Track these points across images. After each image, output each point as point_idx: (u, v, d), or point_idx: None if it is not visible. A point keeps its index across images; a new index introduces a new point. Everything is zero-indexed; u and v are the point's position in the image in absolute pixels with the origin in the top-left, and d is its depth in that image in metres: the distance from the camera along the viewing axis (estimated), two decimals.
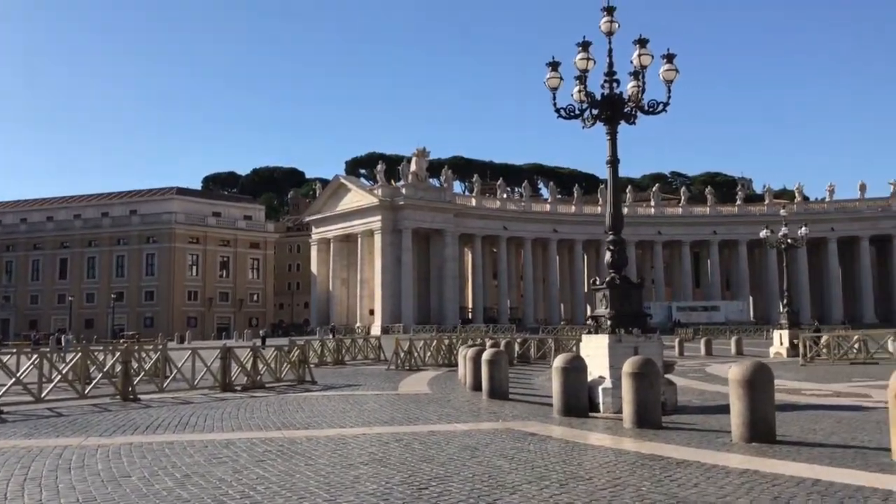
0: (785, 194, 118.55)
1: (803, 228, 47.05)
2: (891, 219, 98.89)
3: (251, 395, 18.83)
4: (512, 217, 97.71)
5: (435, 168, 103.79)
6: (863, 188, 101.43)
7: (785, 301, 42.51)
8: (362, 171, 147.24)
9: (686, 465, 8.79)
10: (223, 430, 12.63)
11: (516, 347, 34.54)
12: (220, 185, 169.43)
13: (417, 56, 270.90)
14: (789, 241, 44.88)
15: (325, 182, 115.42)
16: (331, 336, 53.97)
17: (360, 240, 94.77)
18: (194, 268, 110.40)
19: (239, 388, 20.12)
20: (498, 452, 9.86)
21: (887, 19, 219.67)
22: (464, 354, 21.73)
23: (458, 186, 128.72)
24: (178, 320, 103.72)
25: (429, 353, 31.02)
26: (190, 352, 21.18)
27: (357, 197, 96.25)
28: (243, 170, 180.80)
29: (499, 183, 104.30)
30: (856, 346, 31.15)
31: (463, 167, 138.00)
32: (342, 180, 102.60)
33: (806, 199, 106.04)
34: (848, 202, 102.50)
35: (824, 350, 31.37)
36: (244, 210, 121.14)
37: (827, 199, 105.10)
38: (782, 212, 51.96)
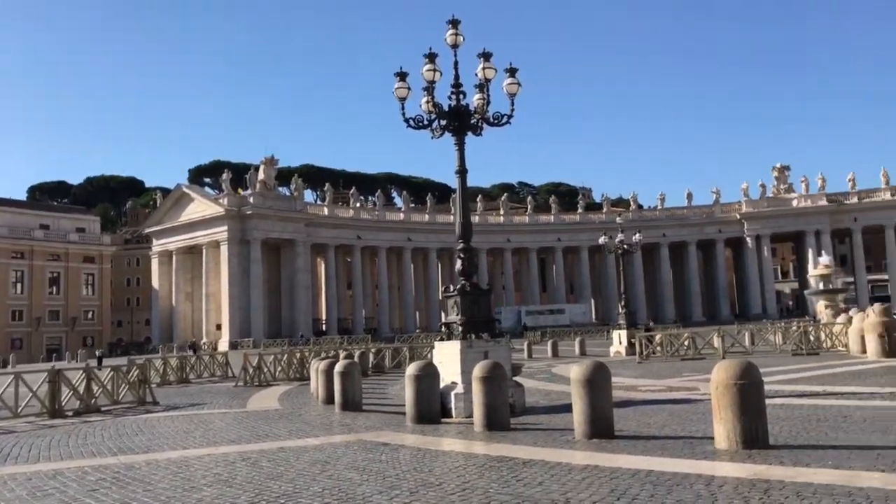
0: (621, 203, 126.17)
1: (638, 235, 50.22)
2: (714, 225, 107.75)
3: (84, 421, 17.52)
4: (366, 226, 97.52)
5: (284, 176, 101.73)
6: (689, 197, 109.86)
7: (623, 303, 45.18)
8: (207, 179, 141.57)
9: (532, 465, 9.08)
10: (50, 459, 11.65)
11: (371, 358, 34.43)
12: (48, 194, 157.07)
13: (264, 61, 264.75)
14: (625, 246, 47.80)
15: (166, 192, 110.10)
16: (192, 353, 51.26)
17: (205, 251, 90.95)
18: (18, 285, 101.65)
19: (70, 413, 18.67)
20: (349, 465, 9.74)
21: (712, 27, 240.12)
22: (316, 367, 21.36)
23: (309, 195, 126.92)
24: (2, 342, 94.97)
25: (280, 368, 30.24)
26: (13, 376, 19.40)
27: (201, 206, 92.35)
28: (75, 179, 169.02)
29: (352, 192, 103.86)
30: (686, 343, 33.60)
31: (314, 176, 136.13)
32: (185, 189, 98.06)
33: (640, 207, 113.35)
34: (677, 209, 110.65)
35: (658, 348, 33.62)
36: (76, 222, 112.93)
37: (658, 207, 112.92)
38: (618, 219, 55.24)
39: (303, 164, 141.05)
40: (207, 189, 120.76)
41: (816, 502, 6.53)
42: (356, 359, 24.62)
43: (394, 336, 79.17)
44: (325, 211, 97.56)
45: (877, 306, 28.38)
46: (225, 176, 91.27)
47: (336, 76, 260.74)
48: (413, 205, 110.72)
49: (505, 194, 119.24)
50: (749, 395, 9.41)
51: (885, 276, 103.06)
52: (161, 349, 74.84)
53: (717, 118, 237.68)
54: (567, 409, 14.26)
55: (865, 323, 27.48)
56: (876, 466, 8.07)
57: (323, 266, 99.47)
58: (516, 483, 8.02)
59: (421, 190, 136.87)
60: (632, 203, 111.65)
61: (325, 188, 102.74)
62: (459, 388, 15.44)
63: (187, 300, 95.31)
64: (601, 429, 10.92)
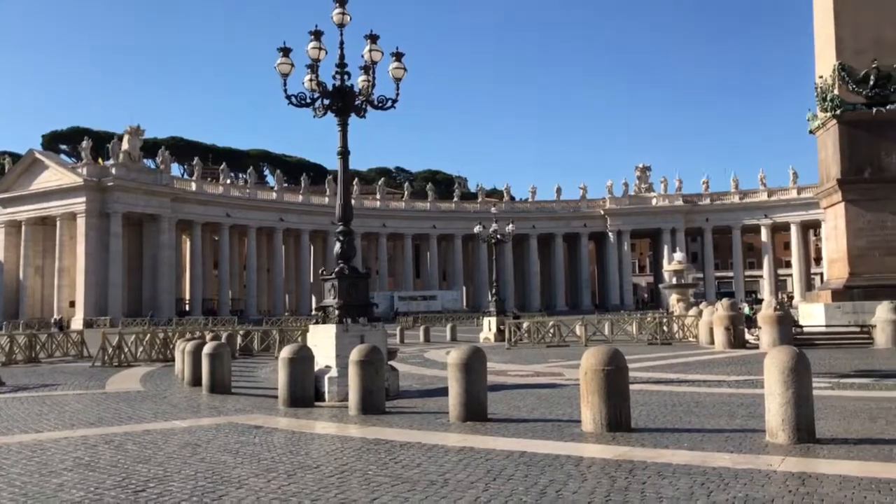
0: (495, 194, 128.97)
1: (510, 226, 51.60)
2: (580, 219, 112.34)
3: None
4: (236, 204, 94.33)
5: (151, 148, 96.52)
6: (559, 191, 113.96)
7: (494, 291, 46.35)
8: (64, 147, 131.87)
9: (409, 447, 9.20)
10: None
11: (239, 340, 33.58)
12: None
13: (130, 23, 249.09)
14: (498, 236, 49.06)
15: (16, 157, 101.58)
16: (58, 331, 47.55)
17: (59, 223, 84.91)
18: None
19: None
20: (221, 448, 9.48)
21: (591, 26, 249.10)
22: (182, 348, 20.57)
23: (176, 169, 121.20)
24: None
25: (142, 349, 28.86)
26: None
27: (56, 175, 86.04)
28: None
29: (222, 168, 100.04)
30: (551, 331, 34.95)
31: (183, 149, 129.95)
32: (38, 155, 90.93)
33: (513, 199, 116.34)
34: (546, 203, 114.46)
35: (526, 335, 34.79)
36: None
37: (530, 200, 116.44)
38: (493, 210, 56.57)
39: (171, 136, 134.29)
40: (64, 157, 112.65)
41: (676, 481, 7.02)
42: (223, 340, 23.89)
43: (262, 319, 77.30)
44: (193, 186, 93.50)
45: (725, 301, 30.65)
46: (85, 144, 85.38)
47: (211, 45, 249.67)
48: (287, 184, 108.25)
49: (382, 179, 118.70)
50: (615, 380, 9.96)
51: (731, 274, 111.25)
52: (6, 326, 69.36)
53: (589, 116, 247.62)
54: (440, 392, 14.56)
55: (714, 316, 29.62)
56: (725, 448, 8.77)
57: (188, 244, 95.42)
58: (394, 465, 8.10)
59: (295, 170, 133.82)
60: (505, 194, 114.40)
61: (194, 162, 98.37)
62: (334, 372, 15.36)
63: (37, 274, 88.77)
64: (475, 412, 11.21)
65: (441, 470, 7.75)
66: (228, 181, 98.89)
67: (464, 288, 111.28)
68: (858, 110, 30.94)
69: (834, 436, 9.29)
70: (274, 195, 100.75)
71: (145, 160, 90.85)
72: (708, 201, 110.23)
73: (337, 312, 16.12)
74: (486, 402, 11.49)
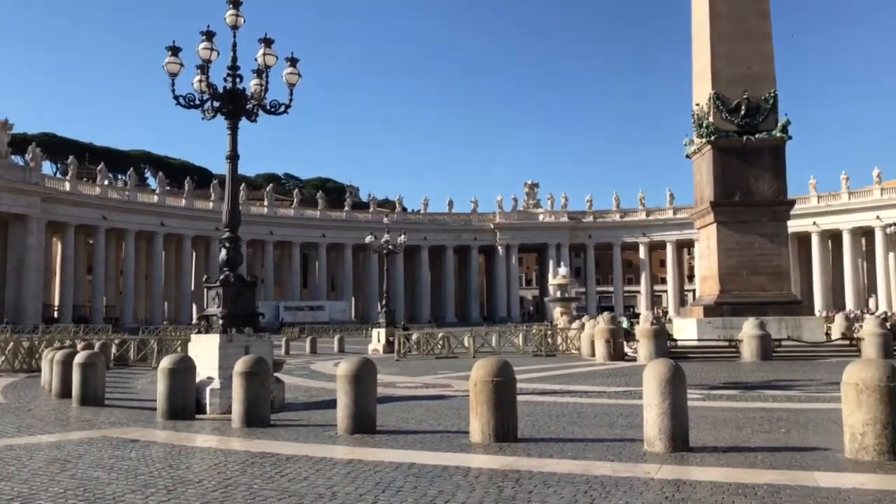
0: (387, 204, 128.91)
1: (402, 237, 51.67)
2: (471, 232, 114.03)
3: None
4: (113, 206, 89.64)
5: (20, 144, 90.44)
6: (451, 204, 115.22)
7: (384, 302, 46.22)
8: None
9: (296, 460, 9.00)
10: None
11: (113, 349, 31.90)
12: None
13: (4, 8, 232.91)
14: (390, 247, 49.01)
15: None
16: None
17: None
18: None
19: None
20: (94, 463, 8.95)
21: (488, 46, 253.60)
22: (50, 358, 19.30)
23: (48, 167, 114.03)
24: None
25: (3, 357, 26.88)
26: None
27: None
28: None
29: (99, 168, 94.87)
30: (440, 342, 35.18)
31: (56, 146, 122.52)
32: None
33: (405, 210, 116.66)
34: (438, 215, 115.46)
35: (415, 346, 34.86)
36: None
37: (422, 212, 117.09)
38: (385, 220, 56.47)
39: (43, 132, 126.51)
40: None
41: (561, 489, 7.21)
42: (97, 349, 22.61)
43: (138, 327, 73.72)
44: (67, 186, 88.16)
45: (605, 315, 31.87)
46: None
47: (90, 37, 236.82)
48: (169, 188, 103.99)
49: (270, 185, 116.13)
50: (503, 391, 10.13)
51: (611, 289, 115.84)
52: None
53: (481, 132, 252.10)
54: (327, 405, 14.35)
55: (595, 329, 30.71)
56: (606, 457, 9.09)
57: (60, 247, 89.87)
58: (280, 478, 7.90)
59: (179, 172, 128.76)
60: (397, 205, 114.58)
61: (69, 161, 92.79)
62: (217, 384, 14.85)
63: None
64: (364, 424, 11.11)
65: (329, 483, 7.63)
66: (106, 182, 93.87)
67: (353, 299, 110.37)
68: (731, 137, 33.03)
69: (705, 444, 9.81)
70: (155, 198, 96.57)
71: (13, 157, 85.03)
72: (591, 219, 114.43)
73: (221, 322, 15.60)
74: (375, 415, 11.42)
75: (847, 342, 29.70)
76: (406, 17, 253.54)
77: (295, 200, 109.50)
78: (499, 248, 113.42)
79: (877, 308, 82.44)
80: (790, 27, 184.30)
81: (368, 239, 49.90)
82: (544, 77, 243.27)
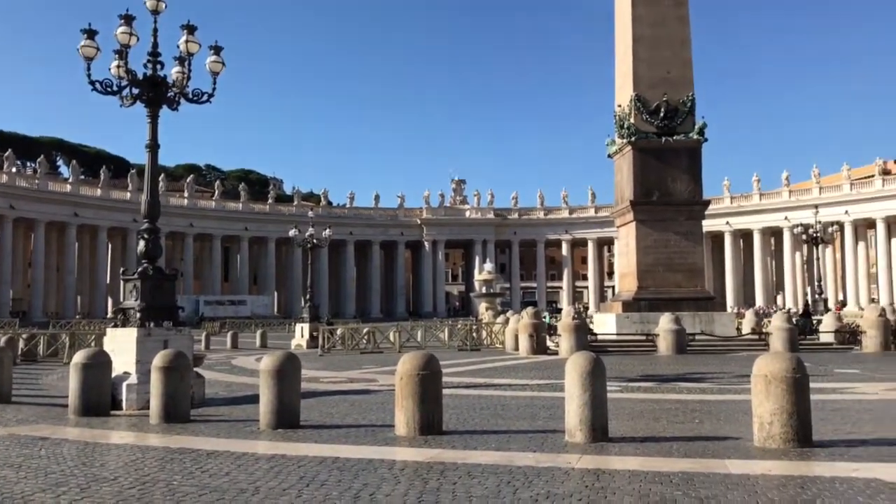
0: (312, 198, 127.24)
1: (327, 231, 51.17)
2: (397, 227, 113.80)
3: None
4: (22, 195, 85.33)
5: None
6: (377, 199, 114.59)
7: (308, 297, 45.67)
8: None
9: (217, 456, 8.83)
10: None
11: (21, 344, 30.50)
12: None
13: None
14: (314, 241, 48.45)
15: None
16: None
17: None
18: None
19: None
20: (1, 462, 8.55)
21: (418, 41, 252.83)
22: None
23: None
24: None
25: None
26: None
27: None
28: None
29: (7, 154, 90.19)
30: (366, 337, 35.04)
31: None
32: None
33: (330, 203, 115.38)
34: (364, 210, 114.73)
35: (340, 341, 34.60)
36: None
37: (348, 206, 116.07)
38: (310, 213, 55.78)
39: None
40: None
41: (484, 480, 7.31)
42: (3, 344, 21.57)
43: (48, 321, 70.60)
44: None
45: (529, 310, 32.40)
46: None
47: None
48: (84, 177, 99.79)
49: (191, 176, 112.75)
50: (429, 385, 10.20)
51: (535, 284, 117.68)
52: None
53: (410, 127, 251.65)
54: (249, 400, 14.13)
55: (519, 324, 31.19)
56: (529, 448, 9.27)
57: None
58: (201, 474, 7.74)
59: (94, 161, 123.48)
60: (322, 199, 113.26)
61: None
62: (133, 379, 14.43)
63: None
64: (287, 419, 10.98)
65: (252, 478, 7.51)
66: (14, 170, 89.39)
67: (276, 293, 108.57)
68: (650, 139, 34.03)
69: (624, 435, 10.11)
70: (68, 187, 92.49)
71: None
72: (517, 216, 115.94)
73: (139, 315, 15.14)
74: (298, 409, 11.30)
75: (756, 337, 31.11)
76: (333, 9, 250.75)
77: (216, 192, 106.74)
78: (425, 243, 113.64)
79: (784, 304, 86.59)
80: (709, 31, 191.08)
81: (292, 232, 49.21)
82: (473, 74, 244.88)
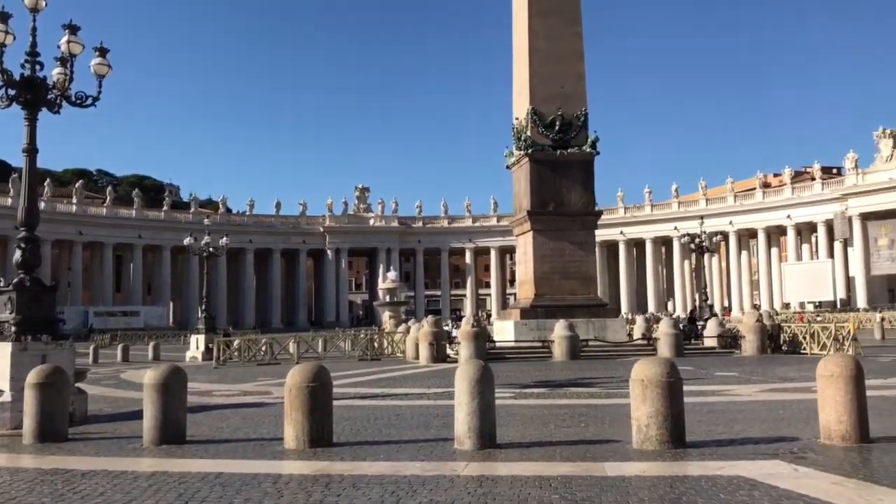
0: (210, 205, 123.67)
1: (225, 238, 49.92)
2: (300, 235, 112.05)
3: None
4: None
5: None
6: (278, 206, 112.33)
7: (203, 307, 44.35)
8: None
9: (92, 475, 8.47)
10: None
11: None
12: None
13: None
14: (211, 249, 47.15)
15: None
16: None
17: None
18: None
19: None
20: None
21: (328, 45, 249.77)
22: None
23: None
24: None
25: None
26: None
27: None
28: None
29: None
30: (263, 348, 34.34)
31: None
32: None
33: (229, 211, 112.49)
34: (265, 217, 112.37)
35: (236, 353, 33.75)
36: None
37: (247, 213, 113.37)
38: (207, 221, 54.30)
39: None
40: None
41: (369, 491, 7.34)
42: None
43: None
44: None
45: (430, 318, 32.62)
46: None
47: None
48: None
49: (80, 181, 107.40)
50: (319, 396, 10.13)
51: (439, 293, 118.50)
52: None
53: (313, 133, 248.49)
54: (136, 415, 13.60)
55: (420, 332, 31.36)
56: (418, 457, 9.36)
57: None
58: (73, 496, 7.41)
59: None
60: (221, 206, 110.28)
61: None
62: (7, 397, 13.65)
63: None
64: (173, 434, 10.66)
65: (127, 497, 7.26)
66: None
67: (171, 304, 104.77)
68: (546, 151, 35.01)
69: (512, 441, 10.36)
70: None
71: None
72: (421, 224, 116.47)
73: (14, 329, 14.33)
74: (185, 424, 10.98)
75: (646, 342, 32.45)
76: (236, 14, 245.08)
77: (108, 198, 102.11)
78: (328, 251, 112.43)
79: (674, 310, 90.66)
80: (602, 49, 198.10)
81: (188, 241, 47.66)
82: (377, 82, 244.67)
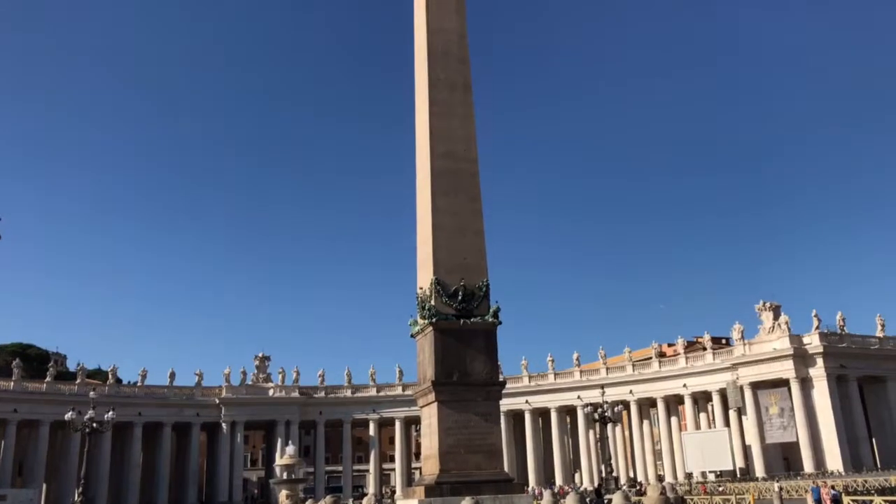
0: (100, 374, 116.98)
1: (111, 413, 46.82)
2: (193, 407, 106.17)
3: None
4: None
5: None
6: (172, 376, 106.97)
7: (80, 489, 40.61)
8: None
9: None
10: None
11: None
12: None
13: None
14: (94, 425, 43.95)
15: None
16: None
17: None
18: None
19: None
20: None
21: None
22: None
23: None
24: None
25: None
26: None
27: None
28: None
29: None
30: None
31: None
32: None
33: (119, 381, 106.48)
34: (158, 388, 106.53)
35: None
36: None
37: (139, 384, 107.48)
38: (92, 394, 50.98)
39: None
40: None
41: None
42: None
43: None
44: None
45: (328, 498, 30.90)
46: None
47: None
48: None
49: None
50: None
51: (341, 468, 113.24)
52: None
53: (213, 303, 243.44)
54: None
55: None
56: None
57: None
58: None
59: None
60: (111, 376, 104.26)
61: None
62: None
63: None
64: None
65: None
66: None
67: (45, 485, 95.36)
68: (450, 320, 35.33)
69: None
70: None
71: None
72: (323, 394, 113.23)
73: None
74: None
75: None
76: (126, 160, 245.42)
77: None
78: (223, 424, 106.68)
79: (581, 482, 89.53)
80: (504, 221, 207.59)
81: (69, 415, 44.40)
82: (277, 248, 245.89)
